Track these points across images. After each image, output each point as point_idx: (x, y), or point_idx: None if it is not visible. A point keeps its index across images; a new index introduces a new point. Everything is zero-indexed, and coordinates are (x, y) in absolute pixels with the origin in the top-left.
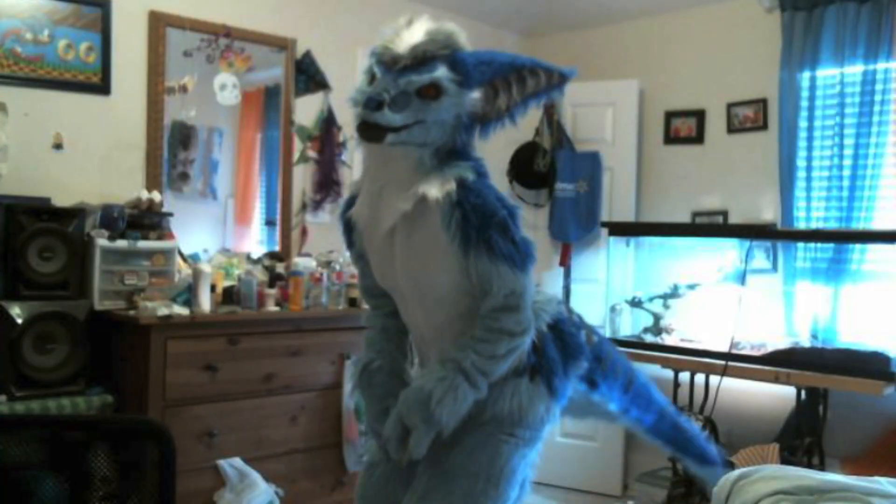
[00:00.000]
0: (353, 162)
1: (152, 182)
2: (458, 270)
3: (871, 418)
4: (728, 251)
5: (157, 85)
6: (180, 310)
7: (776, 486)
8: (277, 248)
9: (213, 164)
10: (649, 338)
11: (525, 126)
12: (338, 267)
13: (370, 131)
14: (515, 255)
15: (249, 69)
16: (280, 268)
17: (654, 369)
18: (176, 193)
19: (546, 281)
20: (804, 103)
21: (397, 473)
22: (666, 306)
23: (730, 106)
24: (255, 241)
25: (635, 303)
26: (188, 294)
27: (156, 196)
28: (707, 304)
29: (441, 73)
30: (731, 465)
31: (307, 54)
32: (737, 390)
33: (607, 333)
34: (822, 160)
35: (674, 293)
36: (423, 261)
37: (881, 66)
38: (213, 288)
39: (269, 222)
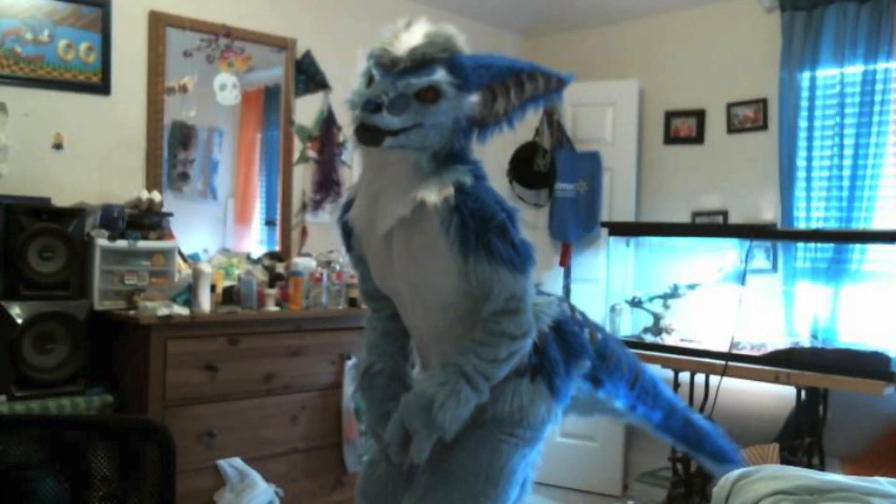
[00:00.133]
0: (353, 162)
1: (152, 182)
2: (458, 274)
3: (871, 418)
4: (728, 251)
5: (157, 85)
6: (180, 310)
7: (776, 486)
8: (277, 248)
9: (213, 164)
10: (649, 338)
11: (525, 126)
12: (338, 267)
13: (368, 134)
14: (515, 258)
15: (249, 69)
16: (280, 268)
17: (655, 369)
18: (176, 193)
19: (546, 281)
20: (804, 103)
21: (398, 472)
22: (666, 306)
23: (730, 106)
24: (255, 241)
25: (635, 303)
26: (188, 294)
27: (156, 196)
28: (707, 304)
29: (440, 76)
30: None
31: (307, 54)
32: (737, 390)
33: None
34: (822, 160)
35: (674, 293)
36: (422, 265)
37: (881, 66)
38: (213, 288)
39: (269, 222)
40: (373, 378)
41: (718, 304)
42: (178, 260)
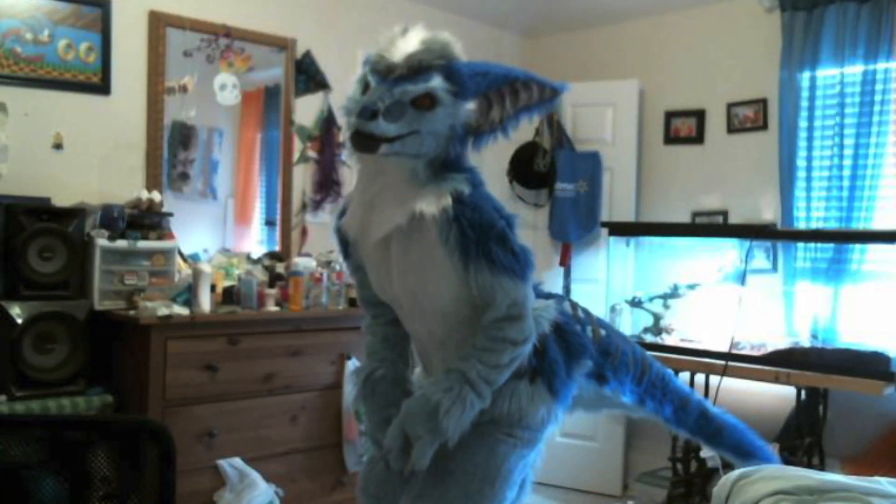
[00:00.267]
0: (354, 162)
1: (152, 182)
2: (458, 282)
3: (871, 418)
4: (728, 251)
5: (157, 85)
6: (180, 310)
7: (776, 486)
8: (277, 248)
9: (213, 164)
10: (649, 338)
11: (525, 126)
12: (338, 267)
13: (364, 141)
14: (516, 265)
15: (249, 69)
16: (280, 268)
17: None
18: (176, 193)
19: (546, 281)
20: (804, 103)
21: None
22: (666, 306)
23: (730, 106)
24: (255, 241)
25: (635, 303)
26: (188, 294)
27: (156, 196)
28: (707, 304)
29: (436, 83)
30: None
31: (307, 54)
32: (737, 390)
33: None
34: (822, 160)
35: (674, 293)
36: (421, 274)
37: (881, 66)
38: (213, 288)
39: (269, 222)
40: (374, 384)
41: (718, 304)
42: (178, 260)
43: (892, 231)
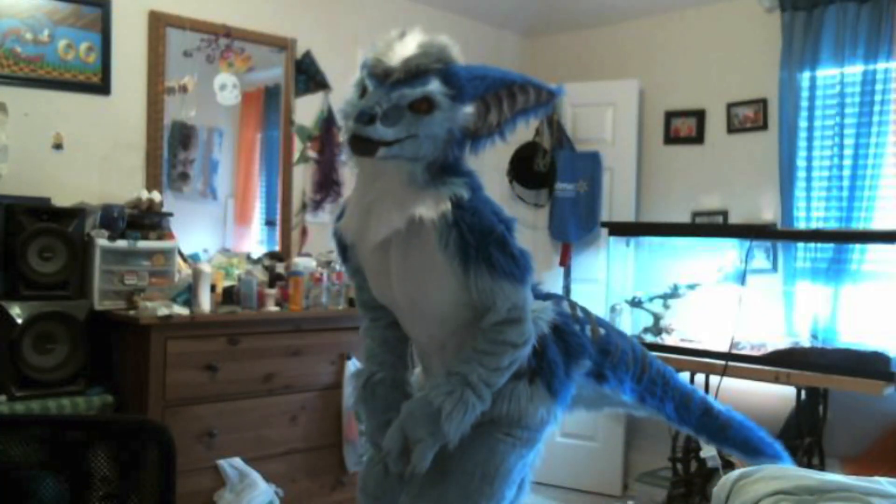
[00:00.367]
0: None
1: (152, 182)
2: (458, 287)
3: (871, 418)
4: (728, 251)
5: (157, 85)
6: (180, 310)
7: (776, 486)
8: (277, 248)
9: (213, 164)
10: (649, 338)
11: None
12: (338, 267)
13: (362, 145)
14: (516, 270)
15: (249, 69)
16: (280, 268)
17: None
18: (176, 193)
19: (546, 281)
20: (804, 103)
21: None
22: (666, 306)
23: (730, 106)
24: (255, 241)
25: (635, 303)
26: (188, 294)
27: (156, 196)
28: (707, 304)
29: (434, 86)
30: (730, 465)
31: (307, 54)
32: (737, 390)
33: None
34: (822, 160)
35: (674, 293)
36: (420, 279)
37: (881, 66)
38: (213, 288)
39: (269, 222)
40: (374, 387)
41: (718, 304)
42: (178, 260)
43: (892, 231)
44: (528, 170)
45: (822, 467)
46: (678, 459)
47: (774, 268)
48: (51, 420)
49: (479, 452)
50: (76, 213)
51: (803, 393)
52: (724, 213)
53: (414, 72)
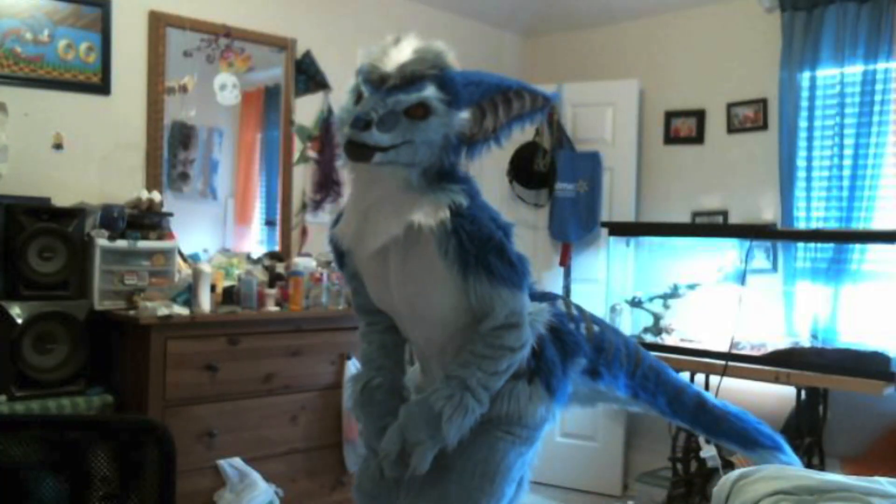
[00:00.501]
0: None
1: (152, 182)
2: (457, 292)
3: (871, 418)
4: (728, 251)
5: (157, 85)
6: (180, 310)
7: (776, 486)
8: (277, 248)
9: (213, 164)
10: (649, 338)
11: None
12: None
13: (357, 151)
14: (514, 276)
15: (249, 69)
16: (280, 268)
17: None
18: (176, 193)
19: (546, 281)
20: (804, 103)
21: None
22: (666, 306)
23: (730, 106)
24: (255, 241)
25: (635, 303)
26: (188, 294)
27: (156, 196)
28: (707, 304)
29: (430, 92)
30: (730, 465)
31: (307, 54)
32: (737, 390)
33: None
34: (822, 160)
35: (674, 293)
36: (419, 285)
37: (881, 66)
38: (213, 288)
39: (269, 222)
40: (372, 392)
41: (718, 304)
42: (178, 260)
43: (892, 231)
44: (528, 170)
45: (822, 467)
46: (678, 459)
47: (774, 268)
48: (51, 420)
49: (480, 450)
50: (76, 213)
51: (803, 393)
52: (724, 213)
53: (409, 77)
